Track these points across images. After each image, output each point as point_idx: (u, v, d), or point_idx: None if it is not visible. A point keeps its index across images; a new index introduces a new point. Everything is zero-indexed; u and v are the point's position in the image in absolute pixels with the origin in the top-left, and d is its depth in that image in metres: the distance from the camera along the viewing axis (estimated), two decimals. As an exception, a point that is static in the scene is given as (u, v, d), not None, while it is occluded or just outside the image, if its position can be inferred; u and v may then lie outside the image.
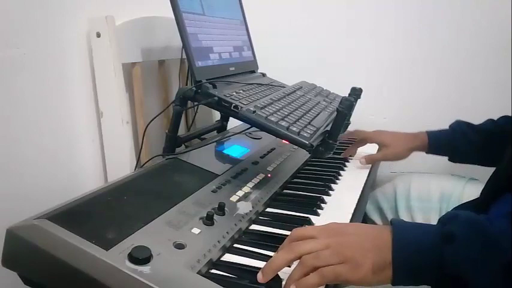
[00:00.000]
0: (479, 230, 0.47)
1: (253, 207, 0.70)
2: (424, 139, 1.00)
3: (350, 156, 1.06)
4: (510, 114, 0.93)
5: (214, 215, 0.61)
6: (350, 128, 1.03)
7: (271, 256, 0.57)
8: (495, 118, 0.98)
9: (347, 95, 0.70)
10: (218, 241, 0.58)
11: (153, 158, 0.86)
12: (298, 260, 0.51)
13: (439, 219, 0.52)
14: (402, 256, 0.49)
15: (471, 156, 0.98)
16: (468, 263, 0.45)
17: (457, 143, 0.98)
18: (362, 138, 1.05)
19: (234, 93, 0.81)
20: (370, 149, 1.07)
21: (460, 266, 0.46)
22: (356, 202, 0.79)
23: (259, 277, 0.50)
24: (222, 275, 0.54)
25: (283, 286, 0.51)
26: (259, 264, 0.56)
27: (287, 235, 0.55)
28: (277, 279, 0.51)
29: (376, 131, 1.04)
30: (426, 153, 1.02)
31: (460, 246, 0.46)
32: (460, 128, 0.99)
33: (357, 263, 0.49)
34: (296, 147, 0.73)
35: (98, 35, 0.85)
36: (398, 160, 1.03)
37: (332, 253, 0.49)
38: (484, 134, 0.96)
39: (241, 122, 0.76)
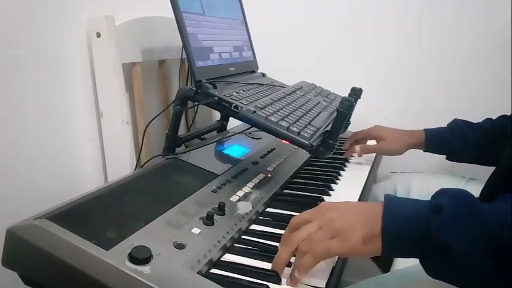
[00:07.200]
0: (467, 202, 0.48)
1: (253, 207, 0.70)
2: (422, 136, 1.00)
3: (351, 156, 1.06)
4: (510, 114, 0.93)
5: (214, 215, 0.61)
6: (350, 128, 1.04)
7: (271, 256, 0.57)
8: (495, 118, 0.98)
9: (347, 95, 0.70)
10: (218, 241, 0.58)
11: (153, 158, 0.86)
12: None
13: (432, 196, 0.54)
14: (391, 224, 0.50)
15: (469, 155, 0.98)
16: (452, 232, 0.46)
17: (454, 141, 0.97)
18: (362, 137, 1.05)
19: (234, 93, 0.81)
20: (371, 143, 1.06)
21: (445, 236, 0.47)
22: (356, 202, 0.79)
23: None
24: (222, 275, 0.54)
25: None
26: (260, 264, 0.56)
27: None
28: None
29: (373, 126, 1.04)
30: (424, 151, 1.02)
31: (446, 216, 0.47)
32: (458, 126, 0.98)
33: (346, 235, 0.51)
34: (296, 147, 0.73)
35: (98, 35, 0.85)
36: (394, 155, 1.02)
37: (323, 231, 0.52)
38: (482, 132, 0.96)
39: (241, 122, 0.76)
